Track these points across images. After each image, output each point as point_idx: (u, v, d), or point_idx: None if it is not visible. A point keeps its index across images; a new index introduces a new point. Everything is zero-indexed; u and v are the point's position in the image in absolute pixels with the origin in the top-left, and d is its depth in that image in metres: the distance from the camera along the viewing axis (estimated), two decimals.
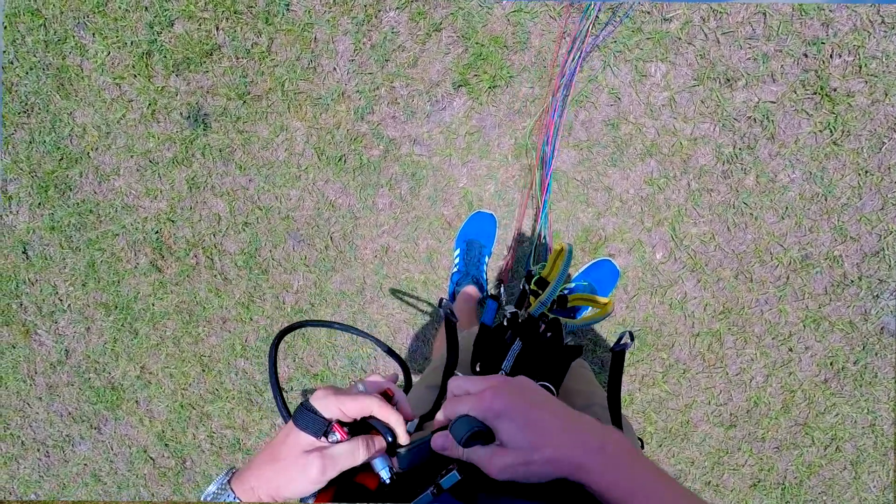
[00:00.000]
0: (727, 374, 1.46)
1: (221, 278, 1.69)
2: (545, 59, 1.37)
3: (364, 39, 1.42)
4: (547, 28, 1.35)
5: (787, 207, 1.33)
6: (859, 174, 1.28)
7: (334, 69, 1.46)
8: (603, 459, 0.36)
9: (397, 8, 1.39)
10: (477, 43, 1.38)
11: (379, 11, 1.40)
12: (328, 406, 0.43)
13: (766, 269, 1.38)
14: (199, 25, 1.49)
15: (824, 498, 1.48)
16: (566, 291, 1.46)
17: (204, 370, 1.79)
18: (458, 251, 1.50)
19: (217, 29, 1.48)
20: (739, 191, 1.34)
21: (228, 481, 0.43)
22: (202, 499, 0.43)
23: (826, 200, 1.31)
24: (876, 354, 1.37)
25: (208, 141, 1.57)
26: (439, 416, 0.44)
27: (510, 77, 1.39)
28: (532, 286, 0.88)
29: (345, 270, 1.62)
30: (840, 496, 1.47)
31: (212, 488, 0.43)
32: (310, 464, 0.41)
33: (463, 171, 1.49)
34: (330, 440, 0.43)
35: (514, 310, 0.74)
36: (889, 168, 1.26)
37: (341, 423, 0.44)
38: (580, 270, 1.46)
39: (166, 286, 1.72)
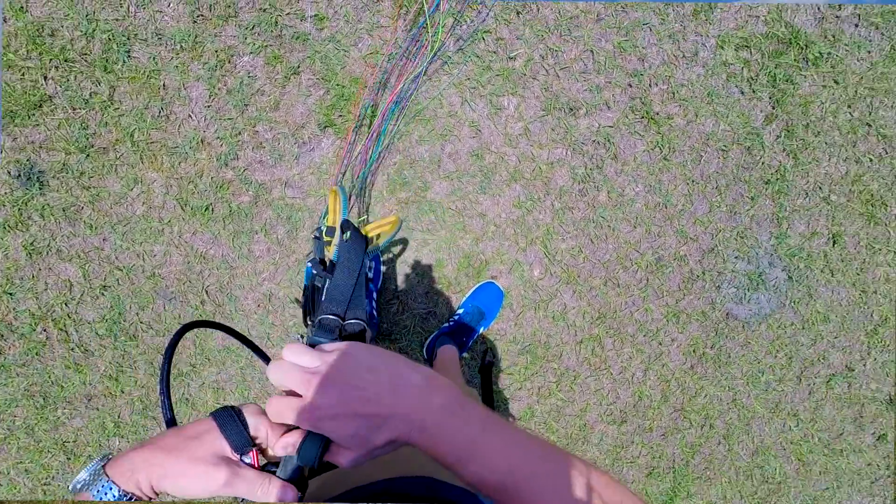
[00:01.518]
0: (612, 374, 1.71)
1: (81, 351, 1.63)
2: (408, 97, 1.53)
3: (219, 85, 1.49)
4: (404, 69, 1.52)
5: (636, 217, 1.61)
6: (688, 183, 1.59)
7: (189, 116, 1.51)
8: (434, 424, 0.42)
9: (251, 53, 1.48)
10: (338, 84, 1.52)
11: (232, 56, 1.48)
12: (258, 426, 0.45)
13: (629, 273, 1.65)
14: (23, 75, 1.46)
15: (708, 473, 1.77)
16: (456, 317, 1.62)
17: (70, 458, 1.70)
18: None
19: (45, 79, 1.46)
20: (596, 206, 1.60)
21: (103, 467, 0.43)
22: (71, 489, 0.43)
23: (666, 208, 1.61)
24: (727, 337, 1.69)
25: (47, 201, 1.53)
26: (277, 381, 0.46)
27: (375, 116, 1.54)
28: (327, 238, 0.92)
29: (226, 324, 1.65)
30: (719, 469, 1.77)
31: (82, 475, 0.43)
32: (217, 474, 0.42)
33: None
34: (244, 460, 0.45)
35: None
36: (709, 176, 1.59)
37: (261, 450, 0.46)
38: (467, 295, 1.63)
39: (10, 369, 1.61)
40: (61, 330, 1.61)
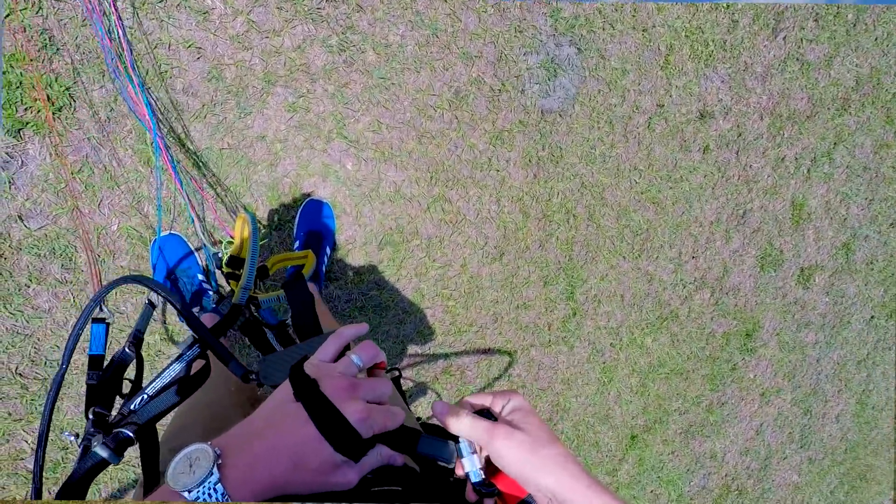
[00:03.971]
0: (470, 220, 1.82)
1: None
2: (90, 48, 1.31)
3: None
4: (65, 14, 1.27)
5: (414, 61, 1.59)
6: (444, 0, 1.56)
7: None
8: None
9: None
10: None
11: None
12: (370, 425, 0.46)
13: (436, 121, 1.67)
14: None
15: (590, 255, 2.04)
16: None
17: None
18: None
19: None
20: (370, 70, 1.55)
21: (218, 466, 0.42)
22: (172, 481, 0.41)
23: (438, 37, 1.59)
24: (551, 133, 1.82)
25: None
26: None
27: (68, 89, 1.32)
28: (227, 269, 0.96)
29: (66, 388, 1.54)
30: (597, 246, 2.03)
31: (191, 478, 0.41)
32: (345, 477, 0.45)
33: (105, 211, 1.44)
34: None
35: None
36: None
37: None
38: (295, 224, 1.61)
39: None
40: None
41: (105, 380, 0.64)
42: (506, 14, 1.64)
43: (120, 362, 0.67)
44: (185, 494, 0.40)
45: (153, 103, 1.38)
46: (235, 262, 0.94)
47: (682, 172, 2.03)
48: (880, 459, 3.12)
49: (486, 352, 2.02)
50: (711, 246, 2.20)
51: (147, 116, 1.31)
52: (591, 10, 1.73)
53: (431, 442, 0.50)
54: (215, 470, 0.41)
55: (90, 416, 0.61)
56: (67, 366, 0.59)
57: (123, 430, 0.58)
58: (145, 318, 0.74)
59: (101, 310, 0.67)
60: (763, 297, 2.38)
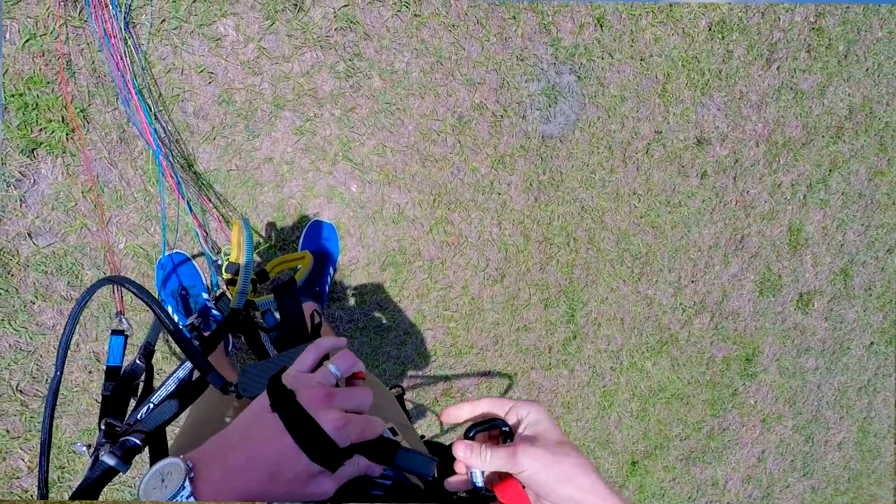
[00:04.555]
0: (472, 242, 1.85)
1: None
2: (105, 71, 1.36)
3: None
4: (83, 40, 1.32)
5: (420, 87, 1.64)
6: (449, 30, 1.62)
7: None
8: None
9: None
10: (14, 96, 1.30)
11: None
12: (347, 434, 0.46)
13: (440, 145, 1.71)
14: None
15: (590, 278, 2.07)
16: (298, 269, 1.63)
17: None
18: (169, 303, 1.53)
19: None
20: (375, 95, 1.60)
21: (190, 480, 0.42)
22: (144, 495, 0.42)
23: (442, 65, 1.65)
24: (551, 158, 1.86)
25: None
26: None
27: (83, 111, 1.36)
28: (227, 275, 0.98)
29: (66, 406, 1.54)
30: (597, 269, 2.06)
31: (162, 493, 0.42)
32: (321, 487, 0.45)
33: (112, 231, 1.47)
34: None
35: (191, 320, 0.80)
36: (465, 13, 1.62)
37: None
38: (300, 244, 1.63)
39: None
40: None
41: (118, 391, 0.66)
42: (508, 43, 1.70)
43: (131, 374, 0.68)
44: None
45: (164, 126, 1.42)
46: (234, 268, 0.96)
47: (681, 197, 2.07)
48: (884, 489, 3.09)
49: (487, 374, 2.03)
50: (710, 270, 2.23)
51: (152, 139, 1.35)
52: (590, 40, 1.79)
53: (410, 455, 0.50)
54: (187, 484, 0.41)
55: (102, 427, 0.61)
56: (62, 372, 0.59)
57: (130, 437, 0.58)
58: (155, 331, 0.76)
59: (120, 322, 0.68)
60: (762, 321, 2.40)
